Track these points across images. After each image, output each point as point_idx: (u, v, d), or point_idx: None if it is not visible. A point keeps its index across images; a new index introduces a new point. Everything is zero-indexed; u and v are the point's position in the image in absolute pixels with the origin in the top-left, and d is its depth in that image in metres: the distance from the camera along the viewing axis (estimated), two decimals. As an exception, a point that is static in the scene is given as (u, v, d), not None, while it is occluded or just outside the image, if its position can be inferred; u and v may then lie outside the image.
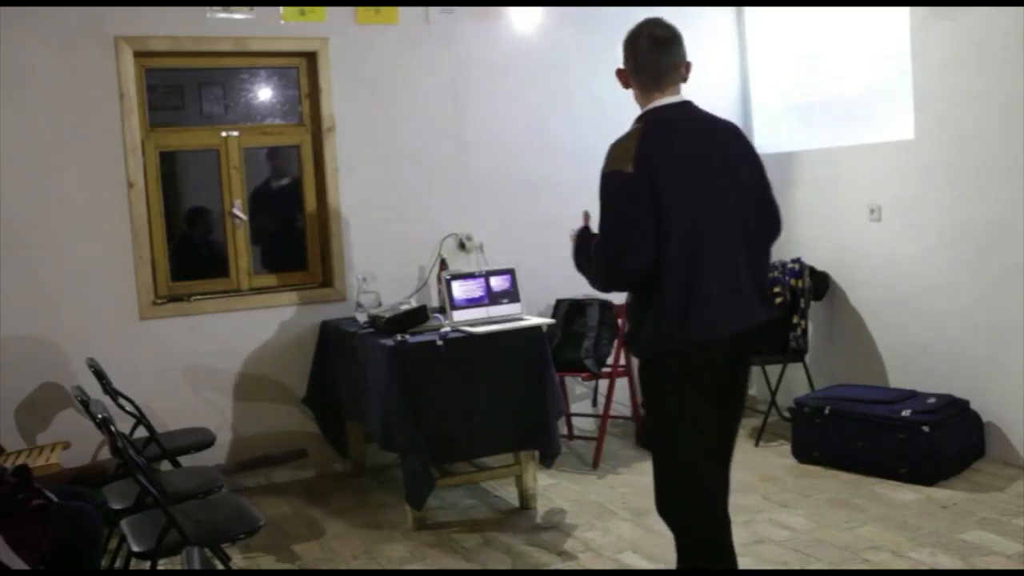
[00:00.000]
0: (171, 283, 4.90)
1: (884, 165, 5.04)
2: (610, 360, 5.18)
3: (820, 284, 5.33)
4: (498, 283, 4.68)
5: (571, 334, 5.18)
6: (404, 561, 3.89)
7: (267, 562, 3.96)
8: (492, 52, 5.37)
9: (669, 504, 2.81)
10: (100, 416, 3.01)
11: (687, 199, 2.63)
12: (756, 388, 5.70)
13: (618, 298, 4.68)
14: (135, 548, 2.90)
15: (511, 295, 4.69)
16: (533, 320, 4.55)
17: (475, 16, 5.30)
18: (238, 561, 3.95)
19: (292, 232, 5.24)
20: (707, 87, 4.25)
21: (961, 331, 4.71)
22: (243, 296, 5.01)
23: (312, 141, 5.13)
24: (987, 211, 4.54)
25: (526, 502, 4.40)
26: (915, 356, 4.94)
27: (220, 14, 4.81)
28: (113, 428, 2.97)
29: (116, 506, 3.35)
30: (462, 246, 5.25)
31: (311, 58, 5.04)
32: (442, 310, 4.72)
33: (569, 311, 5.26)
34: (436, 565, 3.84)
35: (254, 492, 4.82)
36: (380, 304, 4.85)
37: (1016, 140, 4.36)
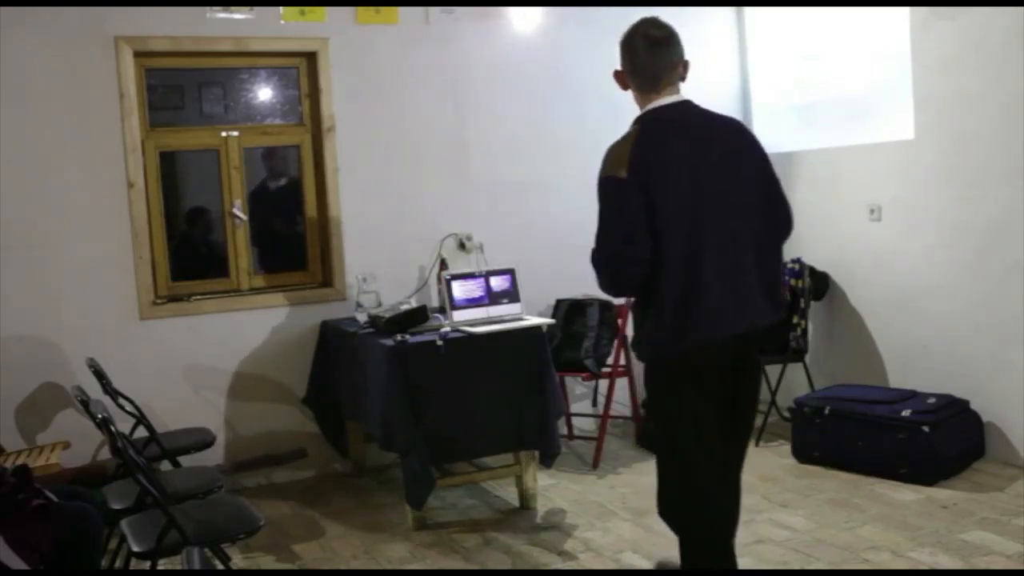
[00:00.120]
0: (171, 283, 4.89)
1: (884, 165, 5.04)
2: (610, 360, 5.17)
3: (820, 284, 5.33)
4: (498, 283, 4.68)
5: (571, 334, 5.17)
6: (404, 561, 3.89)
7: (267, 562, 3.96)
8: (492, 52, 5.36)
9: (669, 504, 2.81)
10: (100, 416, 3.01)
11: (685, 199, 2.61)
12: (756, 388, 5.69)
13: (618, 298, 4.68)
14: (135, 548, 2.89)
15: (511, 295, 4.69)
16: (533, 320, 4.54)
17: (475, 16, 5.30)
18: (238, 561, 3.95)
19: (292, 232, 5.24)
20: (707, 87, 4.25)
21: (961, 331, 4.71)
22: (243, 296, 5.01)
23: (312, 141, 5.12)
24: (987, 211, 4.54)
25: (526, 502, 4.40)
26: (915, 356, 4.94)
27: (220, 14, 4.80)
28: (113, 428, 2.97)
29: (116, 506, 3.34)
30: (462, 246, 5.25)
31: (311, 58, 5.04)
32: (442, 310, 4.71)
33: (569, 311, 5.25)
34: (436, 565, 3.84)
35: (254, 492, 4.81)
36: (380, 304, 4.86)
37: (1016, 140, 4.36)
